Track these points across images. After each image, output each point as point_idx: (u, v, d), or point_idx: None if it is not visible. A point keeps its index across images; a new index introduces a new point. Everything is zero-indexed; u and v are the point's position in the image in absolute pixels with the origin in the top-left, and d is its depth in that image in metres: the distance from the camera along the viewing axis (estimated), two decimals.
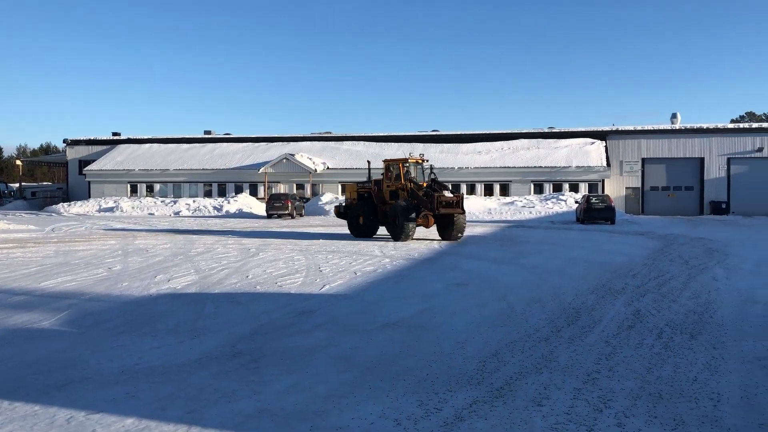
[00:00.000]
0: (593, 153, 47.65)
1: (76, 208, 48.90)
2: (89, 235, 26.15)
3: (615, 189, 47.51)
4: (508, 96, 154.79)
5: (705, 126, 48.31)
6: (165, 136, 60.09)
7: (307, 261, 16.70)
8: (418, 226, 23.76)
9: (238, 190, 51.94)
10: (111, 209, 48.04)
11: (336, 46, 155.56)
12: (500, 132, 52.98)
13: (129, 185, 54.04)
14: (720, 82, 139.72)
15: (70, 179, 59.58)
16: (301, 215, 43.20)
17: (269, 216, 41.49)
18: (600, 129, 50.64)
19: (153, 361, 7.24)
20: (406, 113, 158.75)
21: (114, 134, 61.64)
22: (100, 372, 6.80)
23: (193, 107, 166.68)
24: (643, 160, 48.55)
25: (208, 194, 52.51)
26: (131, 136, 60.64)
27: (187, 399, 5.92)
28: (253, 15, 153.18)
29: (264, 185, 50.78)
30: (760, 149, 46.58)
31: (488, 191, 48.12)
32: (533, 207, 42.46)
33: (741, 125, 51.23)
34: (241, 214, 44.95)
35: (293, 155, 50.53)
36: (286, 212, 41.06)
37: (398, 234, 23.13)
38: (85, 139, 60.43)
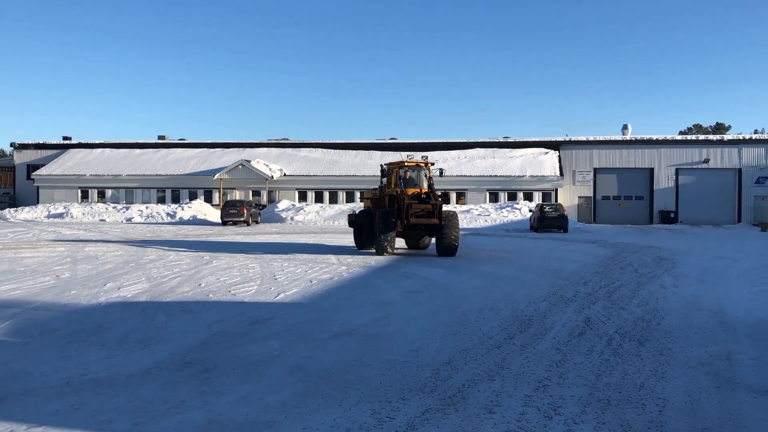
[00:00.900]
0: (547, 163, 48.54)
1: (24, 213, 47.47)
2: (37, 241, 25.41)
3: (568, 198, 48.48)
4: (464, 105, 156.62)
5: (654, 137, 49.70)
6: (117, 141, 58.94)
7: (262, 269, 16.54)
8: (398, 236, 21.61)
9: (193, 196, 51.17)
10: (61, 215, 46.78)
11: (292, 51, 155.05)
12: (457, 141, 53.56)
13: (80, 191, 52.75)
14: (669, 94, 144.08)
15: (17, 184, 57.87)
16: (257, 222, 42.79)
17: (224, 223, 40.98)
18: (553, 139, 51.68)
19: (100, 372, 7.06)
20: (363, 121, 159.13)
21: (64, 138, 60.21)
22: (44, 384, 6.60)
23: (147, 112, 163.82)
24: (595, 170, 49.66)
25: (161, 200, 51.60)
26: (82, 141, 59.27)
27: (135, 411, 5.78)
28: (208, 17, 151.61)
29: (219, 192, 50.18)
30: (707, 160, 48.12)
31: (444, 200, 48.38)
32: (488, 215, 42.98)
33: (689, 137, 52.95)
34: (195, 221, 44.28)
35: (249, 161, 50.08)
36: (242, 219, 40.62)
37: (376, 246, 20.70)
38: (33, 143, 58.80)
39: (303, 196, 50.56)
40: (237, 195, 50.22)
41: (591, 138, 50.67)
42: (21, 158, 58.31)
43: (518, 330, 9.36)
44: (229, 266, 17.09)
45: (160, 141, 59.42)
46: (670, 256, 21.05)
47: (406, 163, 22.50)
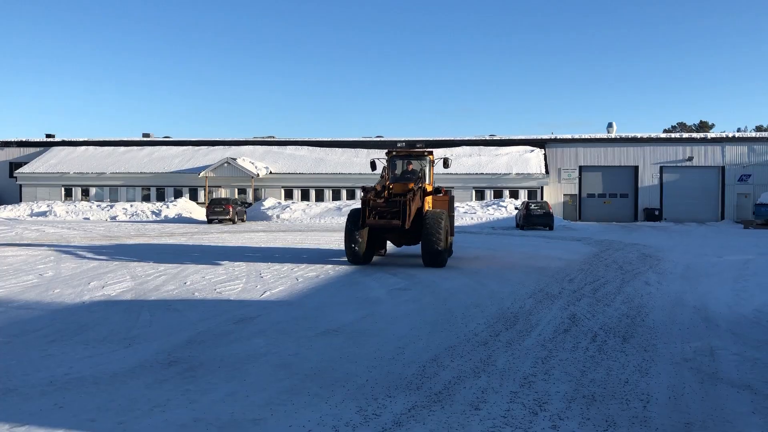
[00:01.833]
0: (533, 160, 48.77)
1: (6, 212, 46.99)
2: (20, 240, 25.14)
3: (553, 196, 48.73)
4: (450, 104, 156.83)
5: (639, 135, 50.10)
6: (102, 139, 58.43)
7: (248, 267, 16.48)
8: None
9: (178, 194, 50.90)
10: (44, 213, 46.36)
11: (278, 49, 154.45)
12: (443, 139, 53.67)
13: (63, 189, 52.29)
14: (653, 93, 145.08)
15: None
16: (242, 220, 42.64)
17: (210, 221, 40.79)
18: (539, 137, 51.93)
19: (84, 371, 6.99)
20: (350, 119, 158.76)
21: (48, 136, 59.64)
22: (27, 383, 6.52)
23: (131, 109, 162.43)
24: (581, 168, 49.98)
25: (146, 198, 51.27)
26: (66, 138, 58.75)
27: (119, 409, 5.73)
28: (193, 15, 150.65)
29: (204, 190, 49.91)
30: (690, 158, 48.57)
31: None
32: (475, 213, 43.10)
33: (673, 135, 53.45)
34: (180, 219, 44.04)
35: (235, 159, 49.84)
36: (227, 217, 40.48)
37: (346, 252, 17.62)
38: (16, 140, 58.24)
39: (289, 194, 50.45)
40: (222, 193, 50.01)
41: (576, 136, 51.00)
42: (3, 156, 57.74)
43: (504, 327, 9.39)
44: (214, 264, 17.00)
45: (145, 139, 58.99)
46: (654, 254, 21.22)
47: (395, 152, 19.49)
